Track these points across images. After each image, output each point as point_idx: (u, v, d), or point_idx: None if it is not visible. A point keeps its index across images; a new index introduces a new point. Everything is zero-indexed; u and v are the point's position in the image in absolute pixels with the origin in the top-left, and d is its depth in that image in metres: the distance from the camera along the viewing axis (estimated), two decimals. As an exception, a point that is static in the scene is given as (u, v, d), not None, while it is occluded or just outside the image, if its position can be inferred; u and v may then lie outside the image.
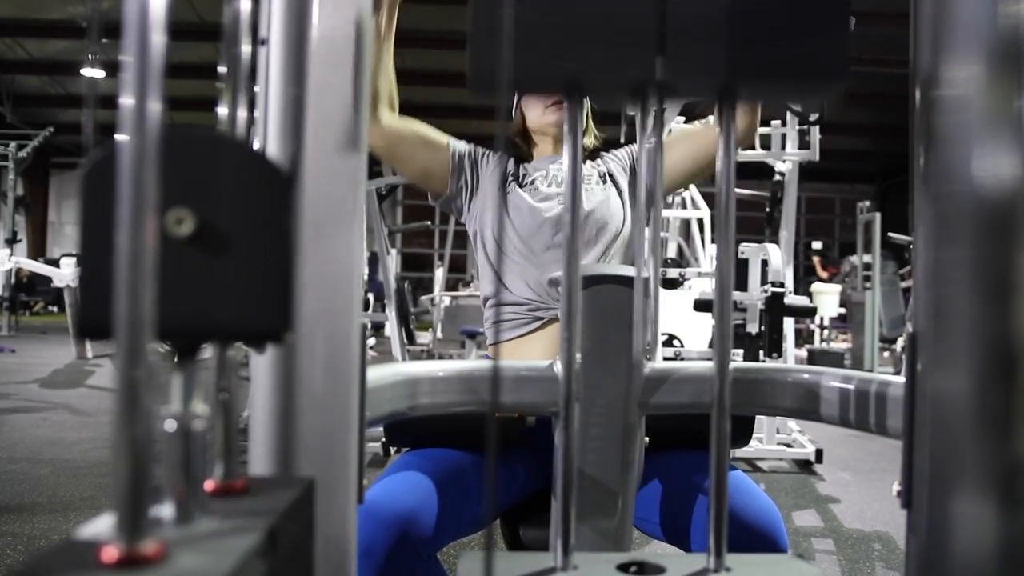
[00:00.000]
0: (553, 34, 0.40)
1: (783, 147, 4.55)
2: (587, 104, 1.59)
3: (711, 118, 1.47)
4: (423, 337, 7.84)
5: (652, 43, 0.40)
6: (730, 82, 0.41)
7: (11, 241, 9.69)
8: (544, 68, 0.40)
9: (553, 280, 1.36)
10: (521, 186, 1.47)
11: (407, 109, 1.39)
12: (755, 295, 3.51)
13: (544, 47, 0.40)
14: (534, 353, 1.35)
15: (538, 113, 1.51)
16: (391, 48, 1.38)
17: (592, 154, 1.58)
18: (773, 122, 4.59)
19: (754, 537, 1.05)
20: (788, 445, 4.06)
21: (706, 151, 1.46)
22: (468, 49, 0.41)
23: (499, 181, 1.47)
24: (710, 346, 4.20)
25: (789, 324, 4.03)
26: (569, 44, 0.40)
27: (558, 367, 0.88)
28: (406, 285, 6.65)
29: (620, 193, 1.49)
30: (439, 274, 8.87)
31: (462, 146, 1.50)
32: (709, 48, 0.41)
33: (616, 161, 1.55)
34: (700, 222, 5.87)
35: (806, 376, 0.87)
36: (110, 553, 0.31)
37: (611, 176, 1.51)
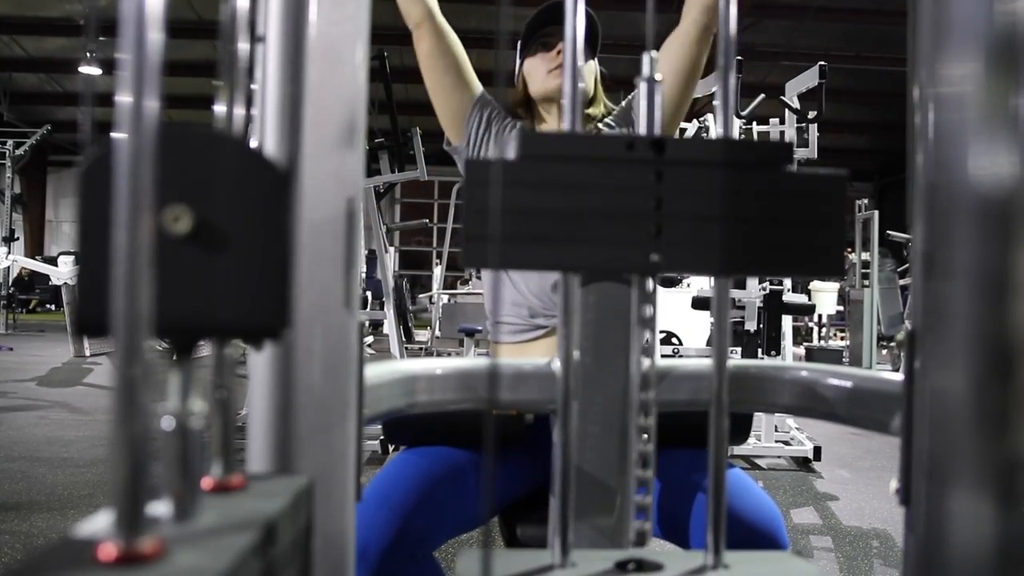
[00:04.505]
0: (548, 219, 0.41)
1: (781, 145, 4.54)
2: (596, 68, 1.53)
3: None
4: (421, 335, 7.84)
5: (649, 229, 0.41)
6: (723, 267, 0.43)
7: (9, 239, 9.68)
8: (540, 252, 0.41)
9: (556, 285, 1.35)
10: None
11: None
12: (753, 293, 3.52)
13: (539, 230, 0.41)
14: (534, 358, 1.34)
15: (541, 78, 1.38)
16: None
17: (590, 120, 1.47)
18: (771, 120, 4.59)
19: (754, 536, 1.05)
20: (786, 443, 4.07)
21: (688, 60, 1.33)
22: (463, 226, 0.41)
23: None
24: (708, 343, 4.20)
25: (787, 322, 4.03)
26: (565, 229, 0.41)
27: (556, 364, 0.88)
28: (404, 283, 6.65)
29: None
30: (437, 272, 8.87)
31: (487, 99, 1.40)
32: (703, 235, 0.42)
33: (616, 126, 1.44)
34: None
35: (804, 373, 0.87)
36: (108, 551, 0.31)
37: None
